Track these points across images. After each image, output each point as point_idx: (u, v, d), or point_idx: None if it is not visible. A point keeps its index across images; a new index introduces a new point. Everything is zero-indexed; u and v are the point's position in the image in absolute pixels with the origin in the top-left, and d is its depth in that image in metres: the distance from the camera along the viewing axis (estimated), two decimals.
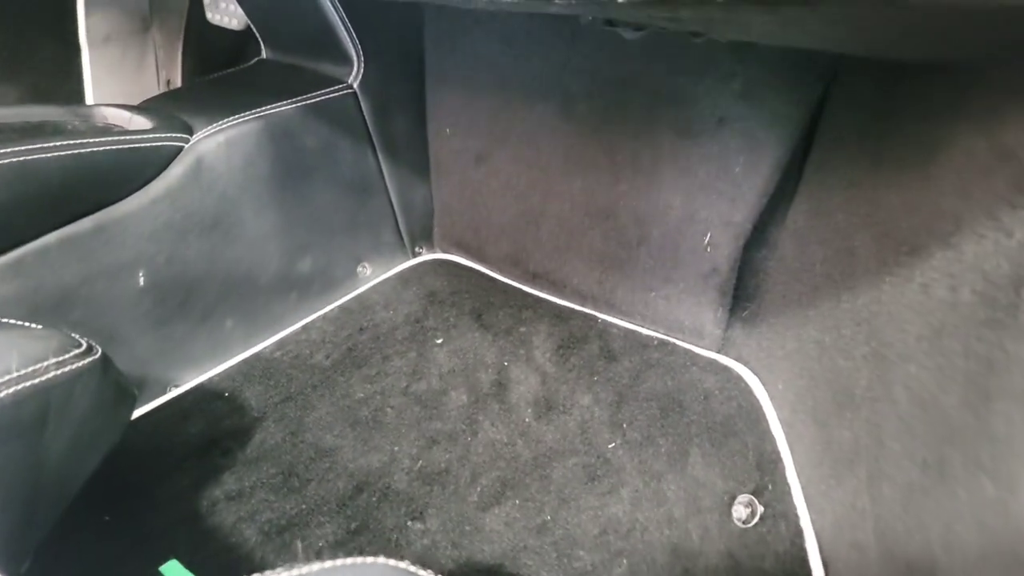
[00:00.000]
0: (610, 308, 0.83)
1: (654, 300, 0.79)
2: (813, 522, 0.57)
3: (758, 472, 0.62)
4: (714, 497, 0.60)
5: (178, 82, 1.28)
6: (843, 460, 0.54)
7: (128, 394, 0.55)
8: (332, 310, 0.87)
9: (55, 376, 0.44)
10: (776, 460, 0.63)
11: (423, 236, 0.98)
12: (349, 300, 0.89)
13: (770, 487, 0.61)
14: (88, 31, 1.13)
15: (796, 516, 0.58)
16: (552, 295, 0.88)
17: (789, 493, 0.60)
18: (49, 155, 0.60)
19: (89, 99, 1.13)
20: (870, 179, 0.55)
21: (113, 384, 0.52)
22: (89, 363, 0.50)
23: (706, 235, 0.73)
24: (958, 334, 0.40)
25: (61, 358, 0.46)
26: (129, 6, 1.19)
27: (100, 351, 0.51)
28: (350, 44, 0.83)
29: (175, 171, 0.71)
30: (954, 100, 0.44)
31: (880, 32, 0.35)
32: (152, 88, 1.27)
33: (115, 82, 1.22)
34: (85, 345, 0.51)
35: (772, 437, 0.66)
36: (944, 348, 0.42)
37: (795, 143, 0.66)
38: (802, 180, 0.65)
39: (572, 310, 0.85)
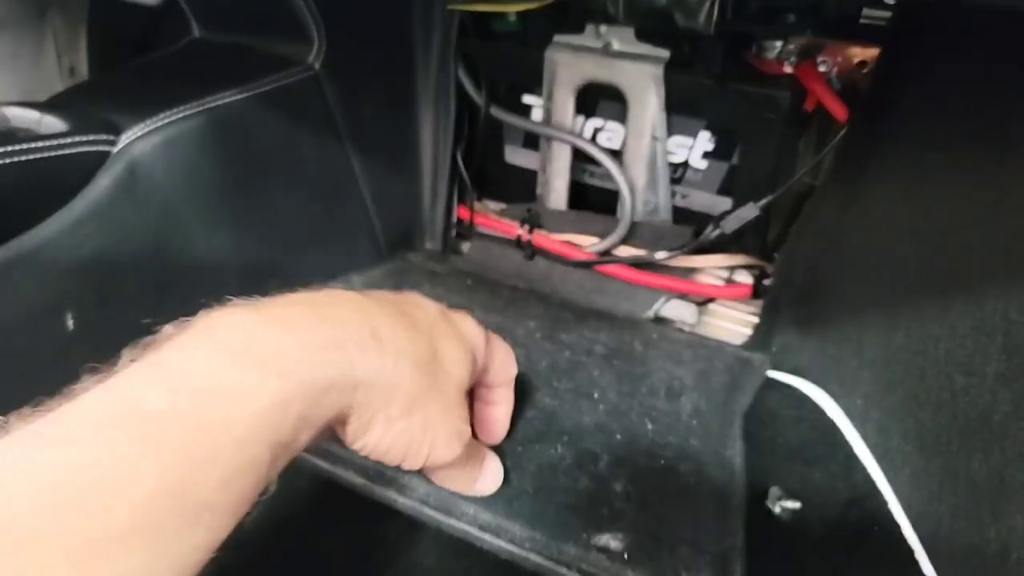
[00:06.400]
0: None
1: None
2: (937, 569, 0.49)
3: (857, 512, 0.54)
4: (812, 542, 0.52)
5: (83, 69, 1.12)
6: (977, 498, 0.46)
7: None
8: None
9: None
10: (873, 495, 0.55)
11: (403, 237, 0.86)
12: None
13: (876, 529, 0.52)
14: None
15: (916, 562, 0.50)
16: None
17: (901, 534, 0.52)
18: None
19: None
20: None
21: None
22: None
23: None
24: None
25: None
26: None
27: None
28: (308, 16, 0.70)
29: (102, 183, 0.58)
30: None
31: None
32: (53, 78, 1.12)
33: (10, 75, 1.07)
34: None
35: (861, 465, 0.57)
36: None
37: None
38: (877, 145, 0.57)
39: None
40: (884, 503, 0.54)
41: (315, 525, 0.62)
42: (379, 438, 0.36)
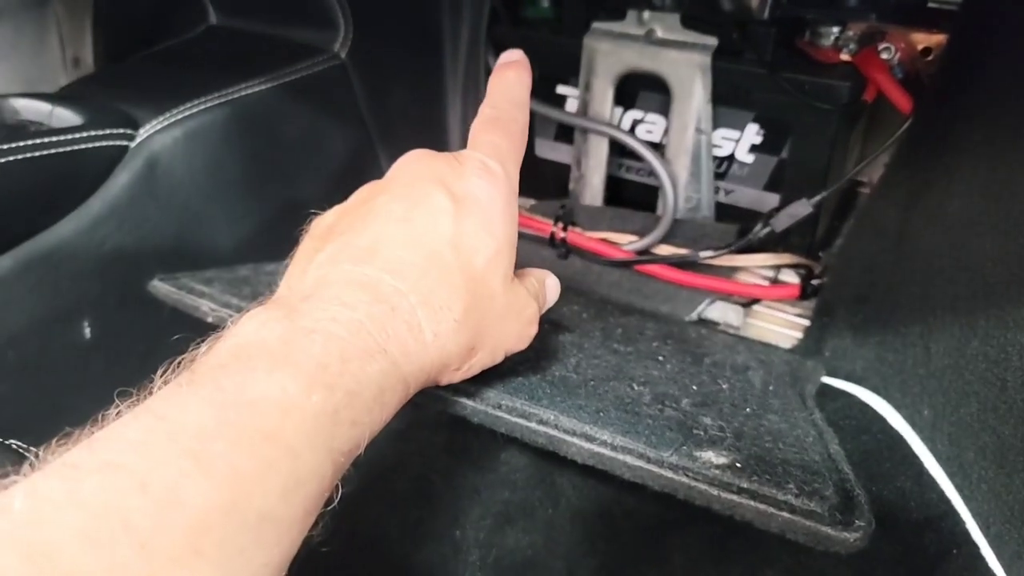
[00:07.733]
0: None
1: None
2: None
3: (932, 533, 0.51)
4: (885, 566, 0.49)
5: (88, 60, 1.09)
6: None
7: None
8: None
9: None
10: (949, 514, 0.52)
11: None
12: None
13: (954, 552, 0.49)
14: None
15: None
16: None
17: (982, 558, 0.49)
18: None
19: None
20: None
21: None
22: None
23: None
24: None
25: None
26: None
27: None
28: (334, 1, 0.67)
29: (120, 180, 0.55)
30: None
31: None
32: (56, 70, 1.08)
33: (9, 66, 1.03)
34: None
35: (933, 482, 0.54)
36: None
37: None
38: (948, 136, 0.53)
39: None
40: (961, 523, 0.51)
41: (398, 434, 0.61)
42: (450, 382, 0.36)
